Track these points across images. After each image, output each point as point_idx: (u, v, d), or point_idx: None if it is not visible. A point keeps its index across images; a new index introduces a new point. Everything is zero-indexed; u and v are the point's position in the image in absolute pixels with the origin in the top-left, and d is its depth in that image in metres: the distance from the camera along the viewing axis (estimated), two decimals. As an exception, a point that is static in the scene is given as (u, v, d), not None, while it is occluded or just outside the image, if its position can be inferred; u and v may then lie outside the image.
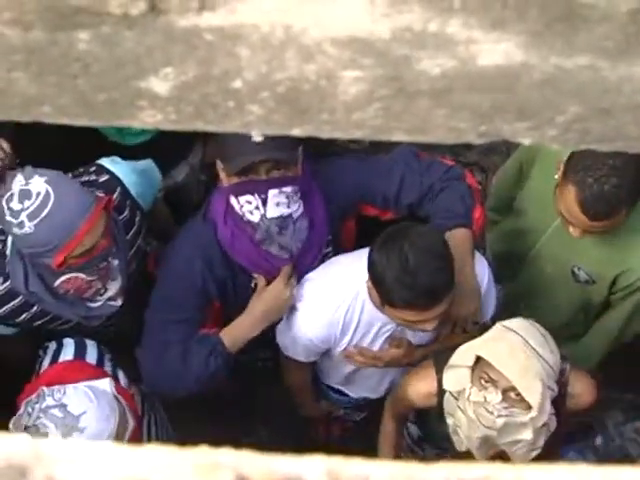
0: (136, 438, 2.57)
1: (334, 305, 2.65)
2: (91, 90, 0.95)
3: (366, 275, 2.52)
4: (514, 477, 0.59)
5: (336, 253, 2.75)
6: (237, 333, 2.66)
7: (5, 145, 2.62)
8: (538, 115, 0.99)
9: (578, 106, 0.98)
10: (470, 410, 2.52)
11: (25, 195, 2.35)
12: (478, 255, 2.71)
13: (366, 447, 2.59)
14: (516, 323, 2.52)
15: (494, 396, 2.46)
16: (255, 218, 2.52)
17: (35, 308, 2.60)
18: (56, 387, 2.47)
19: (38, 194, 2.34)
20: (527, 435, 2.49)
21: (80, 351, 2.69)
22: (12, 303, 2.58)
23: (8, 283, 2.56)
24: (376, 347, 2.76)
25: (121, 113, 0.98)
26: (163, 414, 2.95)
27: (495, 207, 3.19)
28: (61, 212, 2.34)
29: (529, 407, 2.44)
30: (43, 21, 0.88)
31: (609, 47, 0.93)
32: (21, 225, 2.35)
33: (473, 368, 2.52)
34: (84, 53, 0.91)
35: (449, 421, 2.65)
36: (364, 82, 0.94)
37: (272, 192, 2.47)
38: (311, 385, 3.09)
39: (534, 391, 2.41)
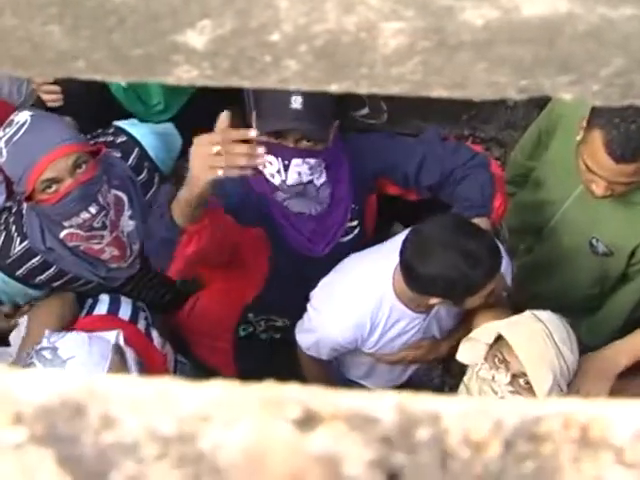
0: None
1: (362, 307, 2.66)
2: (126, 45, 0.93)
3: (390, 274, 2.58)
4: (595, 412, 0.57)
5: (361, 228, 2.74)
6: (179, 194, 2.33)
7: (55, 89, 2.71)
8: (580, 68, 0.96)
9: (622, 58, 0.95)
10: (475, 386, 2.51)
11: (8, 124, 2.47)
12: None
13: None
14: (546, 315, 2.51)
15: (503, 377, 2.45)
16: (276, 181, 2.52)
17: (53, 268, 2.63)
18: (60, 332, 2.49)
19: (17, 122, 2.45)
20: None
21: (114, 307, 2.71)
22: (31, 262, 2.61)
23: (26, 242, 2.60)
24: (403, 341, 2.78)
25: (156, 69, 0.95)
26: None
27: (512, 179, 3.16)
28: (30, 138, 2.42)
29: (534, 397, 2.43)
30: (79, -28, 0.86)
31: (656, -4, 0.90)
32: (0, 152, 2.46)
33: (491, 346, 2.51)
34: (120, 5, 0.89)
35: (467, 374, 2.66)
36: (405, 34, 0.92)
37: (295, 161, 2.46)
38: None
39: (543, 382, 2.39)
